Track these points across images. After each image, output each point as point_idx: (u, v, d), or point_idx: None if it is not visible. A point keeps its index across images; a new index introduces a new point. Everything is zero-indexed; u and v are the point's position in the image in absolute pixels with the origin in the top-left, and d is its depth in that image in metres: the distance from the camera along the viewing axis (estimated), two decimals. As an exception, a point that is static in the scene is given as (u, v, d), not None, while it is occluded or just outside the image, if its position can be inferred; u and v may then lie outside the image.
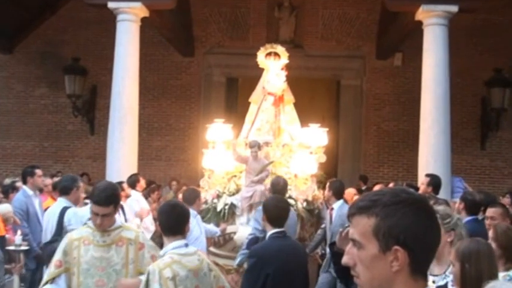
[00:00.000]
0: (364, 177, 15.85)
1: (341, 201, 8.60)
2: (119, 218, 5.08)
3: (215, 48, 17.42)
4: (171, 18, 14.04)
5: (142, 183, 10.58)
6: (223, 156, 9.75)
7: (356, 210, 1.95)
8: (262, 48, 10.47)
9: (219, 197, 9.33)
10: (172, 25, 14.64)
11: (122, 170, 11.05)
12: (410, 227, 1.86)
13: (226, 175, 9.81)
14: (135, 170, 11.26)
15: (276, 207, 5.68)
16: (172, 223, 4.30)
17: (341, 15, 17.09)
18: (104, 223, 4.60)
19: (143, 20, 12.07)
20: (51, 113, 17.74)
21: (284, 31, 16.83)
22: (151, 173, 15.56)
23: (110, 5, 11.66)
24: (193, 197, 7.94)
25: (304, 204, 9.23)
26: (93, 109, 17.45)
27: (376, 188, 11.73)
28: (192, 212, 6.57)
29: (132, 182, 10.23)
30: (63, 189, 7.54)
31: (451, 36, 11.49)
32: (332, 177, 11.35)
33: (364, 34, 17.08)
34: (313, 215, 9.40)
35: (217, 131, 10.13)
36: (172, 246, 4.23)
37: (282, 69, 10.39)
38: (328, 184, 8.90)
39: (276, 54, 10.42)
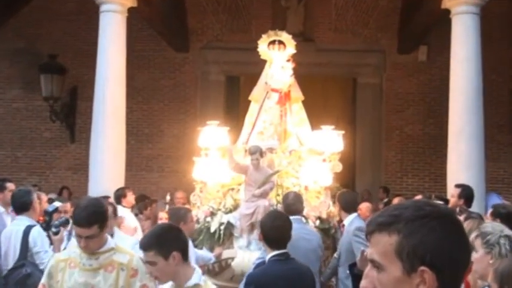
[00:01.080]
0: (386, 189, 15.85)
1: (354, 215, 8.21)
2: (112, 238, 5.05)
3: (213, 43, 17.44)
4: (162, 8, 14.07)
5: (130, 198, 10.54)
6: (218, 165, 9.42)
7: (375, 227, 1.93)
8: (264, 36, 10.23)
9: (213, 214, 8.98)
10: (163, 16, 14.67)
11: (107, 183, 11.05)
12: (438, 245, 1.85)
13: (221, 188, 9.49)
14: (122, 183, 11.26)
15: (273, 225, 5.59)
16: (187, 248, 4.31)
17: (357, 3, 17.10)
18: (89, 245, 4.57)
19: (130, 11, 12.09)
20: (25, 118, 17.76)
21: (292, 22, 16.84)
22: (140, 186, 15.55)
23: (92, -7, 11.72)
24: (175, 218, 7.06)
25: (317, 222, 8.89)
26: (73, 113, 17.47)
27: (396, 201, 11.72)
28: None
29: (117, 196, 10.23)
30: (23, 205, 7.49)
31: (484, 26, 11.50)
32: (349, 189, 11.24)
33: (383, 25, 17.08)
34: (328, 235, 9.06)
35: (210, 136, 9.81)
36: (199, 276, 4.21)
37: (288, 60, 10.15)
38: (336, 196, 8.55)
39: (281, 42, 10.16)
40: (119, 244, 5.01)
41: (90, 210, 4.56)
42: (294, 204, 7.68)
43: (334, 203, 9.22)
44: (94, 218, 4.54)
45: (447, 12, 11.53)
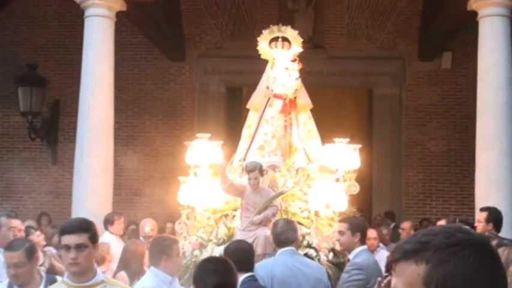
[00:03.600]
0: (391, 214, 15.86)
1: (362, 247, 7.34)
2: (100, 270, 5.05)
3: (212, 50, 17.51)
4: (155, 12, 14.13)
5: (117, 226, 10.58)
6: (209, 186, 8.86)
7: (401, 255, 1.94)
8: (265, 32, 9.87)
9: (202, 247, 8.53)
10: (156, 21, 14.73)
11: (92, 208, 11.03)
12: (471, 276, 1.85)
13: (213, 214, 9.03)
14: (109, 209, 11.28)
15: (237, 247, 6.02)
16: None
17: (373, 5, 17.18)
18: (78, 259, 4.53)
19: (119, 15, 12.15)
20: (1, 135, 17.80)
21: (300, 27, 16.66)
22: (131, 212, 15.52)
23: (76, -4, 11.79)
24: (156, 250, 6.47)
25: (330, 255, 8.42)
26: (55, 130, 17.51)
27: (405, 225, 11.68)
28: (161, 275, 6.16)
29: (104, 221, 10.29)
30: None
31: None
32: (366, 214, 11.00)
33: (402, 29, 17.15)
34: (344, 271, 8.30)
35: (200, 151, 9.34)
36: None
37: (294, 60, 9.78)
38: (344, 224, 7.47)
39: (285, 40, 9.78)
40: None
41: (80, 219, 4.78)
42: (283, 233, 6.96)
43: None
44: (84, 226, 4.66)
45: (474, 14, 11.56)
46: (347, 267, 7.04)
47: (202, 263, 5.05)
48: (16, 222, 9.06)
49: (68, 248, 4.57)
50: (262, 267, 6.62)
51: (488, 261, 1.90)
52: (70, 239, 4.57)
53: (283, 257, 6.81)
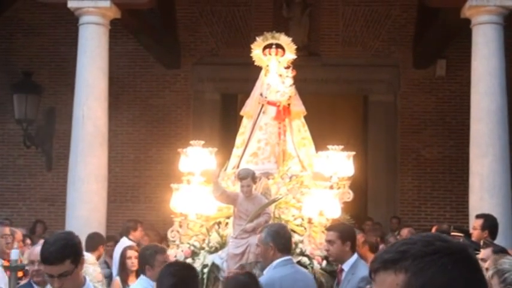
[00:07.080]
0: (398, 218, 15.91)
1: (354, 257, 7.13)
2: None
3: (207, 58, 17.50)
4: (150, 19, 14.13)
5: (138, 233, 10.87)
6: (202, 194, 8.80)
7: (380, 265, 1.94)
8: (259, 39, 9.84)
9: (194, 254, 8.45)
10: (151, 28, 14.72)
11: (86, 215, 11.05)
12: (449, 284, 1.86)
13: (205, 222, 8.91)
14: (104, 216, 11.29)
15: None
16: None
17: (367, 12, 17.19)
18: (64, 286, 4.45)
19: (113, 23, 12.15)
20: (-4, 143, 17.80)
21: (295, 34, 16.69)
22: (125, 219, 15.44)
23: (71, 4, 11.73)
24: (139, 260, 6.66)
25: (324, 263, 8.21)
26: (50, 138, 17.47)
27: (404, 232, 11.62)
28: (151, 283, 6.15)
29: (127, 228, 10.43)
30: None
31: (508, 38, 11.55)
32: (361, 222, 10.89)
33: (397, 36, 17.16)
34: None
35: (194, 158, 9.28)
36: None
37: (288, 67, 9.76)
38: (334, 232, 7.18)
39: (279, 47, 9.74)
40: None
41: (59, 244, 4.46)
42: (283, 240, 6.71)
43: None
44: (65, 252, 4.44)
45: (467, 22, 11.58)
46: (360, 283, 6.50)
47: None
48: (7, 230, 9.01)
49: (51, 276, 4.49)
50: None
51: (466, 269, 1.90)
52: (51, 270, 4.45)
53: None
